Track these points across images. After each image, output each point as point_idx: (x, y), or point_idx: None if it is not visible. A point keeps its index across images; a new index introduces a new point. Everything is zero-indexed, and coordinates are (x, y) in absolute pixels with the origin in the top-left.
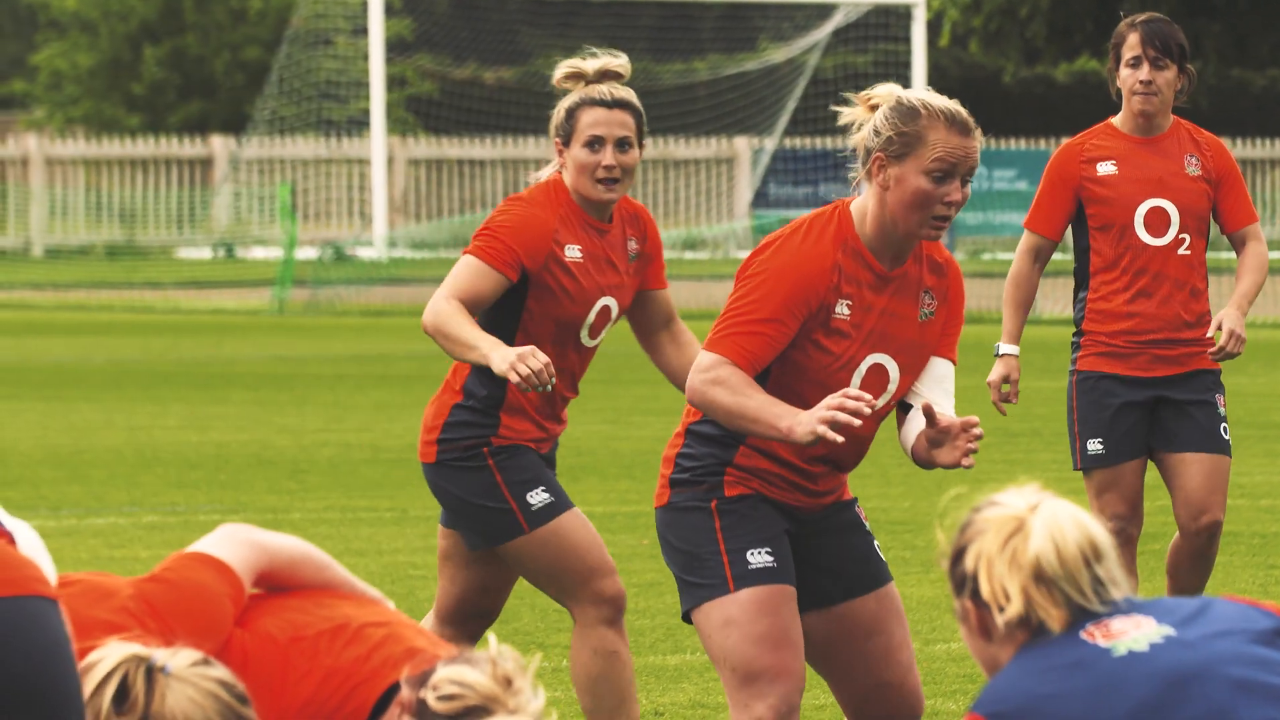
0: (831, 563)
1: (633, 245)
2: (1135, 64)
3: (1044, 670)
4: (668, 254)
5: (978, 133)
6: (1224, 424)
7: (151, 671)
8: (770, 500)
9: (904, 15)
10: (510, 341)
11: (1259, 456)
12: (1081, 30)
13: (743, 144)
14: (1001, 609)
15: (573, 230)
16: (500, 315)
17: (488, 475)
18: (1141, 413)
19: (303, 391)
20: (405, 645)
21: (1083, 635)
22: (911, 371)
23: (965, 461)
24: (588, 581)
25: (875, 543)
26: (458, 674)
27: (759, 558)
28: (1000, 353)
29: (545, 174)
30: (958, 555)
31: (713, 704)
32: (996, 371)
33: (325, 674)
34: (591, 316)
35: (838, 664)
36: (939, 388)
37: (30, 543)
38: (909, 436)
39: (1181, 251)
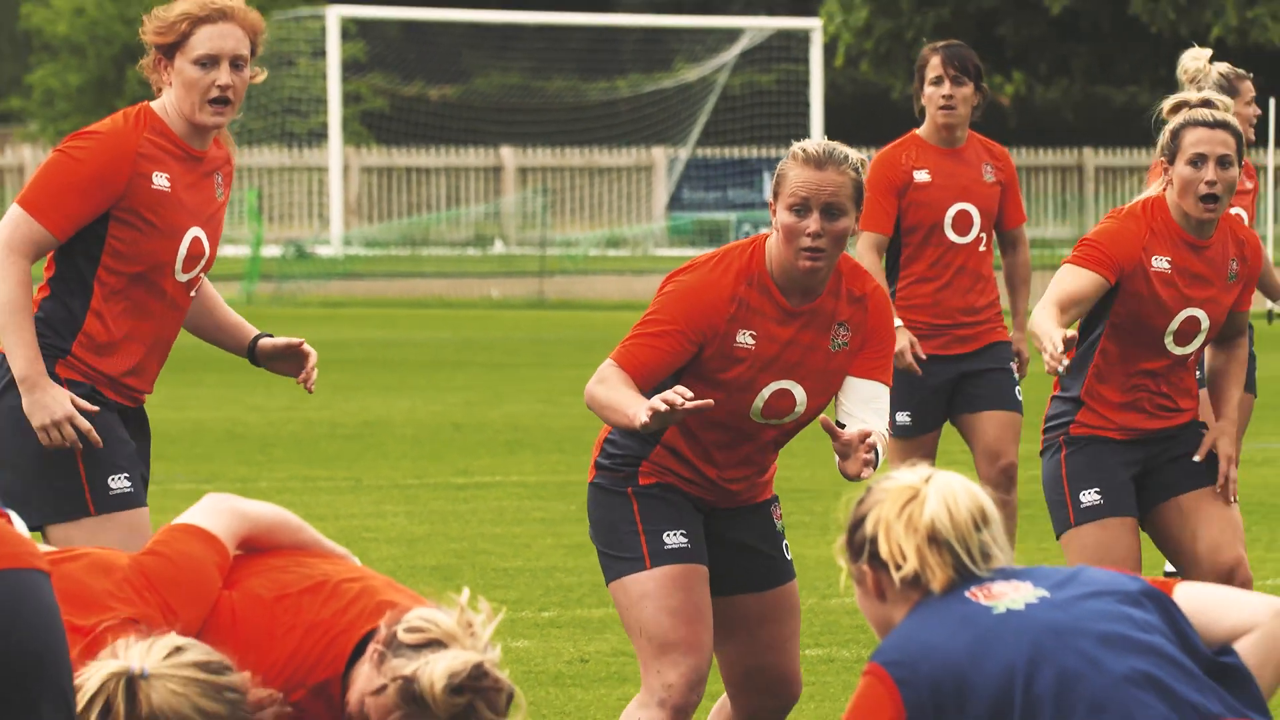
0: (728, 558)
1: (1234, 265)
2: (937, 82)
3: (934, 625)
4: (591, 252)
5: (842, 167)
6: (1017, 387)
7: (132, 682)
8: (682, 491)
9: (803, 39)
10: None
11: None
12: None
13: (660, 153)
14: (899, 567)
15: (1163, 245)
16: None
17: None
18: (944, 387)
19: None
20: (378, 599)
21: (967, 595)
22: (821, 395)
23: (864, 472)
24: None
25: (783, 543)
26: (428, 613)
27: (674, 538)
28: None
29: (1151, 191)
30: (857, 523)
31: (633, 652)
32: (899, 341)
33: (308, 628)
34: (1175, 324)
35: (726, 643)
36: (868, 407)
37: (19, 524)
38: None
39: (980, 249)
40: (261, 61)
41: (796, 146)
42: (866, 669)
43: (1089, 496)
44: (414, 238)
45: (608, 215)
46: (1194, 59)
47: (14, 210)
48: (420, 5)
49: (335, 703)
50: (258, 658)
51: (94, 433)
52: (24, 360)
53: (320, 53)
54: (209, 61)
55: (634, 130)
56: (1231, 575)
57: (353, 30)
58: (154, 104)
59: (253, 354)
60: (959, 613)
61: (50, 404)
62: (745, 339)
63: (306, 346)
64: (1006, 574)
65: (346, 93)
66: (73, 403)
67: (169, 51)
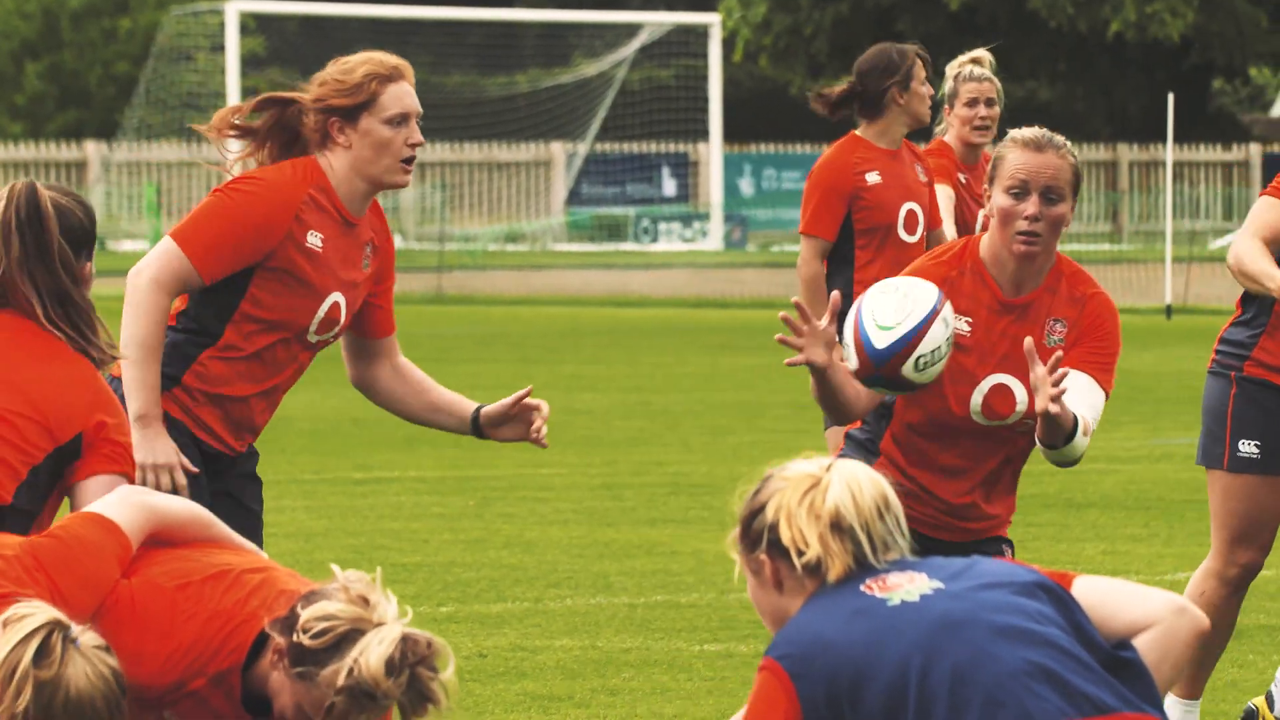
0: None
1: None
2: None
3: (828, 618)
4: (490, 247)
5: (1060, 152)
6: None
7: (67, 639)
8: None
9: (702, 34)
10: None
11: None
12: (860, 47)
13: (558, 149)
14: (800, 554)
15: None
16: None
17: None
18: None
19: None
20: (280, 588)
21: (862, 588)
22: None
23: (1052, 408)
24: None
25: None
26: (319, 610)
27: None
28: None
29: None
30: (755, 512)
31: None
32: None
33: (209, 616)
34: None
35: None
36: (1079, 399)
37: None
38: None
39: (924, 248)
40: (160, 56)
41: (1015, 132)
42: (762, 664)
43: (1248, 447)
44: None
45: (506, 210)
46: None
47: (168, 244)
48: (319, 0)
49: (235, 694)
50: (157, 645)
51: (186, 492)
52: (144, 400)
53: (219, 47)
54: (402, 120)
55: (533, 125)
56: None
57: (252, 25)
58: (321, 160)
59: (476, 427)
60: (854, 605)
61: (159, 449)
62: (962, 325)
63: (532, 399)
64: (902, 565)
65: (245, 88)
66: (178, 457)
67: (353, 113)
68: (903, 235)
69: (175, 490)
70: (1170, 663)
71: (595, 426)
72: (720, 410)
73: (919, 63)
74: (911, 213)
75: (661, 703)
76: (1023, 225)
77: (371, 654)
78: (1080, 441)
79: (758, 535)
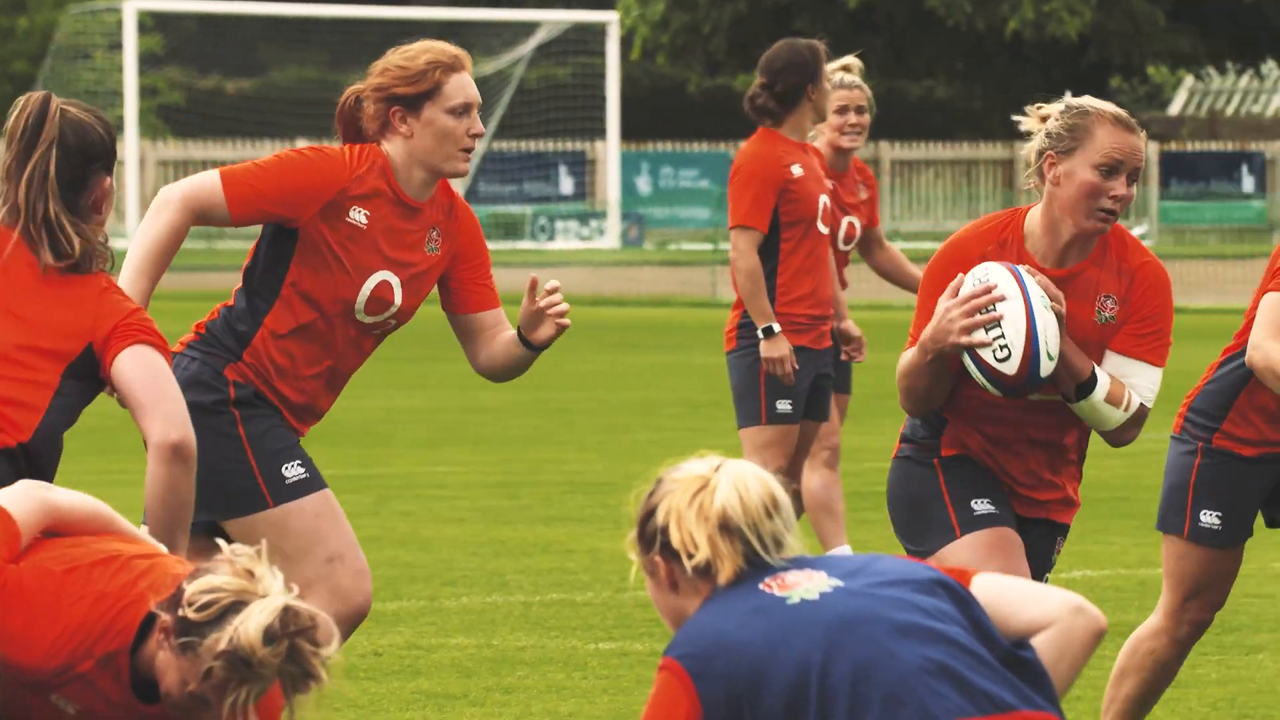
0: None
1: None
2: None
3: (727, 617)
4: None
5: (1141, 135)
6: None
7: None
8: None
9: (599, 32)
10: None
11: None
12: (758, 45)
13: None
14: (690, 556)
15: None
16: None
17: None
18: (813, 380)
19: None
20: (169, 572)
21: (761, 587)
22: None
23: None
24: None
25: (1045, 575)
26: (205, 584)
27: (983, 506)
28: (776, 330)
29: None
30: (648, 514)
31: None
32: (781, 348)
33: (96, 597)
34: None
35: None
36: (1137, 384)
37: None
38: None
39: (834, 244)
40: (58, 54)
41: (1096, 104)
42: (662, 663)
43: (1209, 519)
44: (208, 231)
45: None
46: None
47: (210, 174)
48: None
49: (123, 676)
50: (45, 628)
51: None
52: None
53: (117, 45)
54: (464, 110)
55: None
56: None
57: (150, 23)
58: (384, 148)
59: (527, 343)
60: (753, 604)
61: None
62: None
63: (534, 278)
64: (800, 563)
65: (143, 86)
66: None
67: (415, 101)
68: (820, 227)
69: None
70: (1068, 662)
71: (492, 425)
72: (617, 409)
73: (824, 58)
74: (825, 205)
75: (556, 701)
76: (1107, 204)
77: (251, 622)
78: (1107, 411)
79: (651, 537)
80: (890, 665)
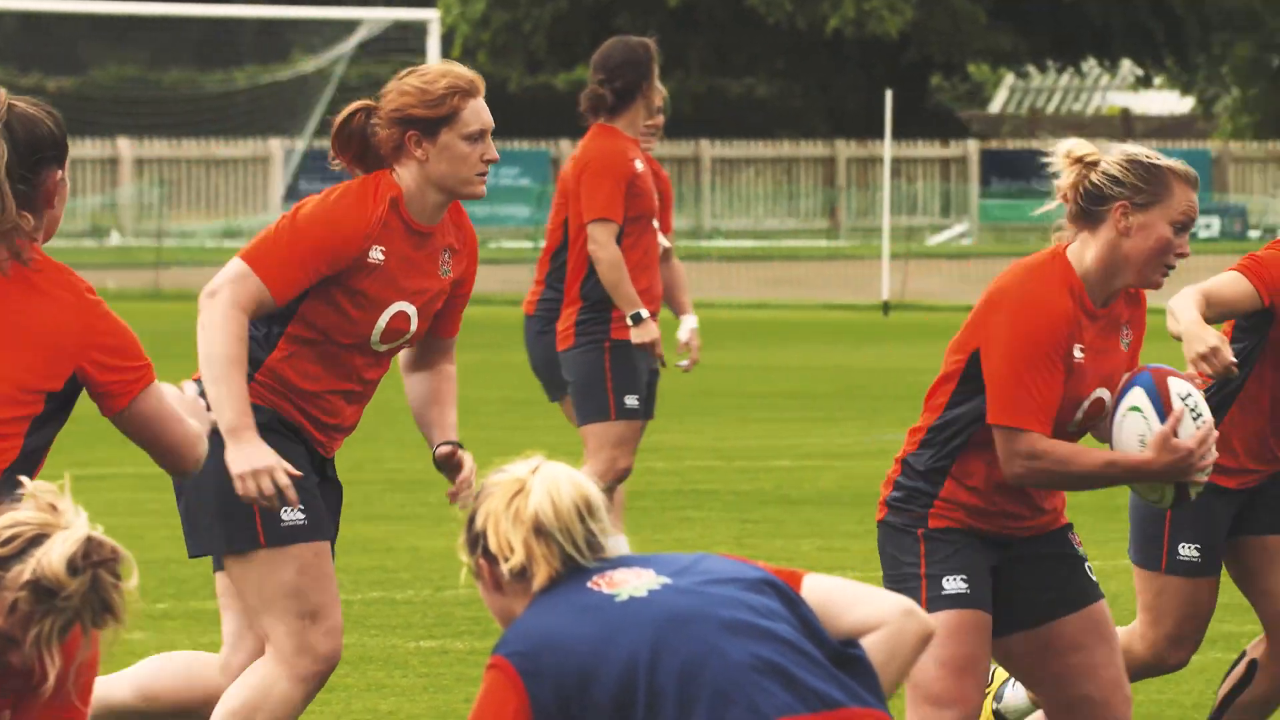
0: (1034, 585)
1: None
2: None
3: (556, 615)
4: (208, 243)
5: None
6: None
7: None
8: (977, 531)
9: (420, 30)
10: None
11: (734, 423)
12: (579, 44)
13: (276, 145)
14: (507, 559)
15: None
16: None
17: None
18: (649, 378)
19: None
20: None
21: (589, 585)
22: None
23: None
24: None
25: (1086, 565)
26: (7, 519)
27: (954, 583)
28: (645, 316)
29: None
30: (471, 517)
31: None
32: (652, 332)
33: None
34: None
35: (1043, 677)
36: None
37: None
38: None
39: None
40: None
41: (1170, 161)
42: (491, 662)
43: (1188, 551)
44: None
45: (224, 206)
46: None
47: (239, 265)
48: None
49: None
50: None
51: (292, 490)
52: (234, 412)
53: None
54: (480, 136)
55: (251, 122)
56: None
57: None
58: (397, 172)
59: (435, 460)
60: (581, 602)
61: (254, 455)
62: (1078, 353)
63: (461, 455)
64: (629, 561)
65: None
66: (276, 459)
67: (432, 126)
68: (655, 224)
69: (279, 492)
70: (898, 663)
71: None
72: None
73: (656, 56)
74: (657, 203)
75: (377, 699)
76: (1173, 261)
77: (55, 552)
78: None
79: (474, 540)
80: (719, 663)
